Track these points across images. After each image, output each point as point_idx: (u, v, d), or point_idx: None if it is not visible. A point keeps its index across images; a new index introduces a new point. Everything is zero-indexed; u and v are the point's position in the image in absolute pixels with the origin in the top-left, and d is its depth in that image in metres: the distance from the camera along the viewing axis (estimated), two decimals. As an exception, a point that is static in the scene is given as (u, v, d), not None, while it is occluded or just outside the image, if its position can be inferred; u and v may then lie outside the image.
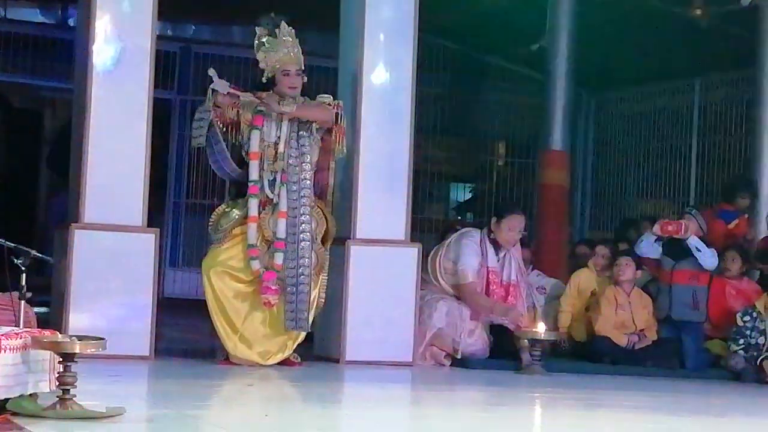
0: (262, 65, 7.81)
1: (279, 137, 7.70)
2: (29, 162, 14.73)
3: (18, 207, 14.09)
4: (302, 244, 7.62)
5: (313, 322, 7.83)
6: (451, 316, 8.48)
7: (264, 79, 7.87)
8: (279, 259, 7.63)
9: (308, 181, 7.67)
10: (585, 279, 9.33)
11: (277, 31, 7.78)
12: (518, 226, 8.69)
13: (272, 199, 7.68)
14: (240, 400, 6.60)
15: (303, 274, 7.61)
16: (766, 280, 9.47)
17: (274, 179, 7.68)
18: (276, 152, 7.68)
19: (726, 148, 12.47)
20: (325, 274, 7.85)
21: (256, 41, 7.84)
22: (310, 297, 7.66)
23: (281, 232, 7.63)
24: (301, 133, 7.71)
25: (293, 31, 7.81)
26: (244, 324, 7.69)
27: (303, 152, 7.68)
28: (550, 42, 11.90)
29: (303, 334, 7.75)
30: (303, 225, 7.62)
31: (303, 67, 7.80)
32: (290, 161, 7.68)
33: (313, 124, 7.73)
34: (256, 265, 7.65)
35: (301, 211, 7.63)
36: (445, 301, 8.54)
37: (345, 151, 7.91)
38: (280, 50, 7.77)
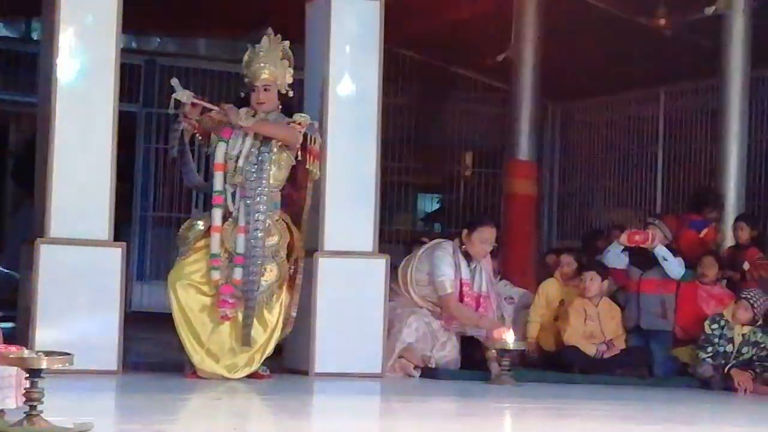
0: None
1: (241, 151, 7.70)
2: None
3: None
4: (256, 260, 7.60)
5: (283, 333, 7.82)
6: (421, 332, 8.49)
7: (242, 93, 7.89)
8: (238, 274, 7.62)
9: (264, 197, 7.65)
10: (552, 289, 9.35)
11: (257, 45, 7.81)
12: (489, 238, 8.71)
13: (232, 213, 7.68)
14: (208, 413, 6.57)
15: (253, 290, 7.59)
16: (733, 286, 9.53)
17: (234, 192, 7.68)
18: (236, 166, 7.68)
19: (691, 157, 12.55)
20: (297, 291, 7.83)
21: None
22: (256, 311, 7.62)
23: (240, 248, 7.62)
24: (261, 149, 7.70)
25: (281, 46, 7.81)
26: (210, 337, 7.66)
27: (262, 168, 7.66)
28: (515, 52, 11.94)
29: (271, 347, 7.73)
30: (257, 240, 7.61)
31: (280, 83, 7.78)
32: (248, 176, 7.66)
33: (273, 142, 7.71)
34: (216, 275, 7.63)
35: (256, 226, 7.62)
36: (416, 315, 8.53)
37: (318, 173, 7.90)
38: (253, 65, 7.79)
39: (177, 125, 7.73)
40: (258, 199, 7.64)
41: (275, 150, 7.72)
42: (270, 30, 7.88)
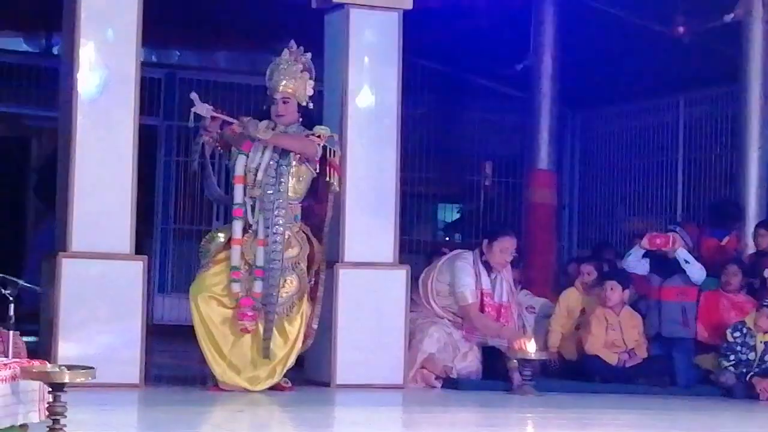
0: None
1: (260, 164, 7.72)
2: (16, 191, 14.69)
3: (5, 236, 14.04)
4: (275, 272, 7.61)
5: (302, 342, 7.83)
6: (443, 342, 8.49)
7: (265, 107, 7.91)
8: (258, 287, 7.64)
9: (283, 210, 7.66)
10: (573, 298, 9.35)
11: (278, 58, 7.84)
12: (510, 248, 8.71)
13: (252, 225, 7.69)
14: (230, 426, 6.57)
15: (272, 302, 7.60)
16: (754, 294, 9.49)
17: (254, 205, 7.70)
18: (255, 179, 7.70)
19: (711, 164, 12.51)
20: (318, 303, 7.85)
21: None
22: (276, 324, 7.63)
23: (260, 260, 7.64)
24: (280, 161, 7.72)
25: (303, 58, 7.83)
26: (231, 350, 7.67)
27: (281, 181, 7.68)
28: (534, 61, 11.93)
29: (292, 360, 7.74)
30: (276, 253, 7.62)
31: (300, 95, 7.80)
32: (266, 189, 7.68)
33: (291, 154, 7.73)
34: (236, 287, 7.65)
35: (275, 239, 7.63)
36: (437, 326, 8.54)
37: (338, 186, 7.91)
38: (274, 77, 7.83)
39: (198, 139, 7.77)
40: (276, 211, 7.66)
41: (293, 163, 7.74)
42: (292, 42, 7.91)
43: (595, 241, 12.96)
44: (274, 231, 7.64)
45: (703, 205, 12.07)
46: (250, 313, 7.62)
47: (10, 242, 14.01)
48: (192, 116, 7.67)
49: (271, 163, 7.72)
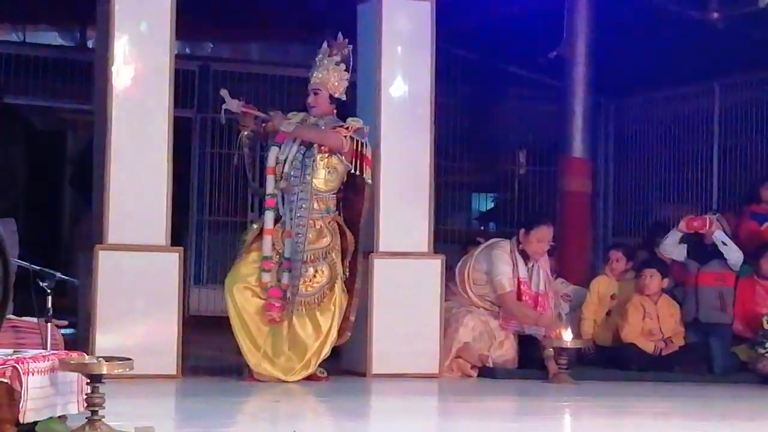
0: None
1: (287, 156, 7.75)
2: (53, 184, 14.79)
3: (42, 229, 14.14)
4: (297, 263, 7.62)
5: (340, 334, 7.85)
6: (478, 331, 8.49)
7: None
8: (285, 278, 7.66)
9: (306, 201, 7.68)
10: (603, 285, 9.32)
11: (319, 50, 7.88)
12: (547, 237, 8.71)
13: (282, 216, 7.73)
14: (267, 416, 6.60)
15: (294, 293, 7.62)
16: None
17: (283, 197, 7.73)
18: (282, 170, 7.73)
19: (747, 150, 12.43)
20: (356, 296, 7.86)
21: None
22: (306, 314, 7.65)
23: (287, 252, 7.66)
24: (306, 153, 7.74)
25: (342, 50, 7.86)
26: (266, 340, 7.70)
27: (305, 173, 7.70)
28: (568, 49, 11.88)
29: (326, 350, 7.76)
30: (297, 245, 7.63)
31: (331, 86, 7.81)
32: (292, 181, 7.70)
33: (315, 146, 7.74)
34: (266, 277, 7.69)
35: (297, 231, 7.64)
36: (472, 315, 8.54)
37: (370, 180, 7.90)
38: (312, 69, 7.87)
39: (240, 135, 7.82)
40: (300, 203, 7.68)
41: (317, 155, 7.75)
42: (339, 35, 7.91)
43: (639, 228, 12.92)
44: (297, 223, 7.66)
45: (740, 192, 11.99)
46: (277, 304, 7.64)
47: (47, 234, 14.11)
48: (223, 112, 7.73)
49: (297, 155, 7.75)
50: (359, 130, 7.83)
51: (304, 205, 7.68)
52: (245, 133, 7.79)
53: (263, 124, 7.81)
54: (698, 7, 11.55)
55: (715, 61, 12.42)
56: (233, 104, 7.72)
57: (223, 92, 7.77)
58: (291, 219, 7.70)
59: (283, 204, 7.76)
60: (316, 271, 7.71)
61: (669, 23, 12.07)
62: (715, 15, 11.36)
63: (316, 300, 7.70)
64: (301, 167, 7.72)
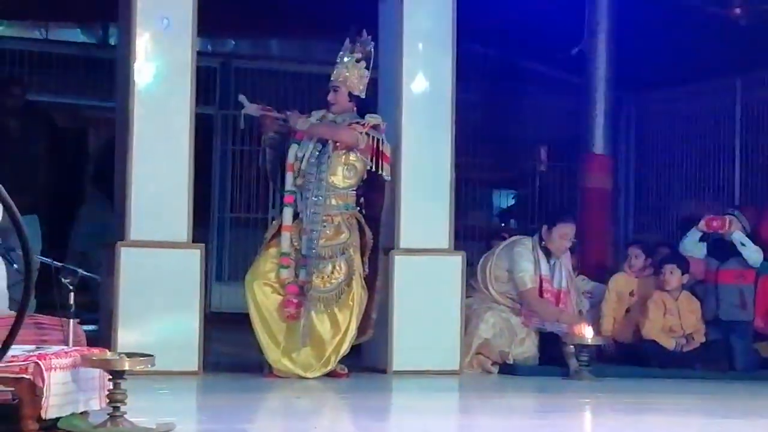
0: None
1: (305, 154, 7.78)
2: (75, 180, 14.82)
3: (64, 225, 14.18)
4: (311, 260, 7.64)
5: (362, 332, 7.86)
6: (498, 327, 8.49)
7: None
8: (302, 274, 7.68)
9: (321, 198, 7.70)
10: (622, 282, 9.30)
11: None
12: (569, 234, 8.73)
13: (300, 213, 7.75)
14: (288, 413, 6.62)
15: (307, 289, 7.64)
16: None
17: (301, 194, 7.75)
18: (299, 167, 7.75)
19: (769, 147, 12.38)
20: (377, 293, 7.88)
21: None
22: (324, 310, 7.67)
23: (304, 248, 7.68)
24: (321, 151, 7.75)
25: (364, 47, 7.88)
26: (286, 336, 7.72)
27: (321, 170, 7.72)
28: (589, 45, 11.86)
29: (346, 347, 7.76)
30: (311, 242, 7.64)
31: (350, 84, 7.82)
32: (308, 178, 7.72)
33: (330, 143, 7.75)
34: (284, 273, 7.71)
35: (312, 228, 7.65)
36: (493, 311, 8.55)
37: (388, 176, 7.90)
38: (334, 66, 7.88)
39: (263, 138, 7.88)
40: (315, 199, 7.70)
41: (331, 152, 7.76)
42: (364, 32, 7.92)
43: (660, 224, 12.88)
44: (312, 219, 7.68)
45: (761, 188, 11.95)
46: (295, 300, 7.66)
47: (68, 231, 14.14)
48: (242, 117, 7.78)
49: (313, 152, 7.77)
50: (375, 127, 7.84)
51: (318, 202, 7.69)
52: (269, 134, 7.84)
53: (285, 124, 7.84)
54: (720, 2, 11.51)
55: (737, 57, 12.37)
56: (252, 109, 7.80)
57: (242, 98, 7.84)
58: (306, 215, 7.71)
59: (301, 200, 7.78)
60: (334, 267, 7.72)
61: (690, 19, 12.03)
62: (738, 11, 11.32)
63: (334, 296, 7.72)
64: (317, 164, 7.74)
